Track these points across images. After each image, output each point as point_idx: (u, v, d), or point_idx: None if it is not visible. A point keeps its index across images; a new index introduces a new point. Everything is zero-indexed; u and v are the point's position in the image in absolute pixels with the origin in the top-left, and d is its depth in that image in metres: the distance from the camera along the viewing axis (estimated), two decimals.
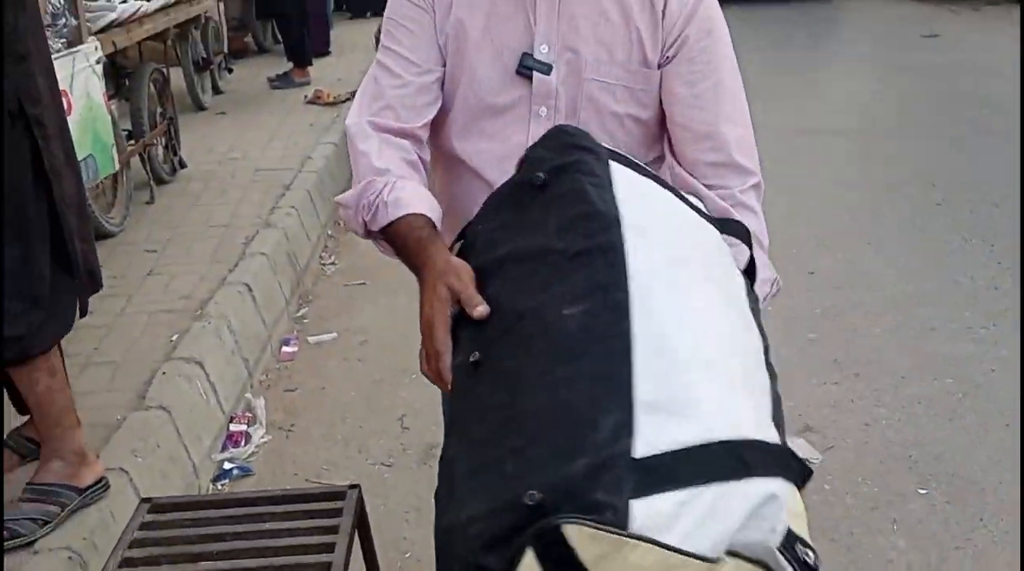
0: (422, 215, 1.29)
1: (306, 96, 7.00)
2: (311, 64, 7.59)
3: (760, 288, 1.25)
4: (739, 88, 1.39)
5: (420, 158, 1.39)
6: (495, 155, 1.39)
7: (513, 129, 1.38)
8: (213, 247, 4.14)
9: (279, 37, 8.35)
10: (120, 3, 4.27)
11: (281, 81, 7.39)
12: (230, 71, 7.55)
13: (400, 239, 1.30)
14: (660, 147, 1.45)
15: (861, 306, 3.83)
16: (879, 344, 3.54)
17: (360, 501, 1.84)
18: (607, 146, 1.20)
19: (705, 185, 1.35)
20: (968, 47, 9.39)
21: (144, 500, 1.92)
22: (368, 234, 1.38)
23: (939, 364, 3.35)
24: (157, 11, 4.81)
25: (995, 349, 3.43)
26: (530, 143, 1.30)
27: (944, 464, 2.78)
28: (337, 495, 1.84)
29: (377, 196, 1.32)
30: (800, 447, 2.76)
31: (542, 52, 1.33)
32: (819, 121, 6.69)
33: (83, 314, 2.49)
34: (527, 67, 1.33)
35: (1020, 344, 3.38)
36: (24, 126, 2.21)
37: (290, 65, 7.55)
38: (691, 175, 1.37)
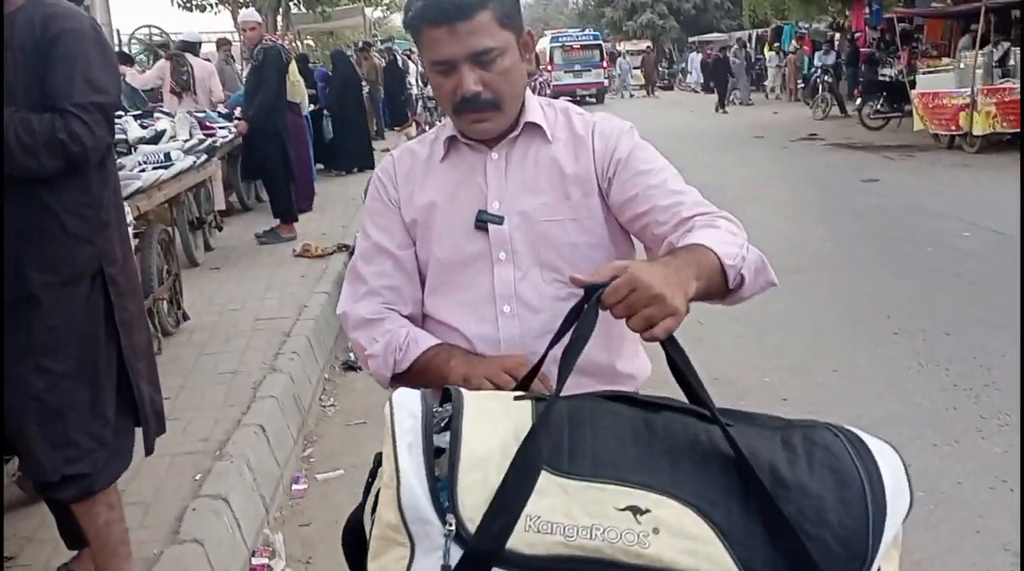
0: (444, 343, 1.60)
1: (294, 250, 7.37)
2: (297, 220, 8.00)
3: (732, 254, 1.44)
4: (677, 173, 1.63)
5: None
6: (466, 301, 1.63)
7: (480, 277, 1.60)
8: (224, 392, 4.37)
9: (263, 196, 8.79)
10: (140, 172, 4.66)
11: (269, 237, 7.78)
12: (220, 229, 7.93)
13: (432, 363, 1.57)
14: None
15: None
16: None
17: None
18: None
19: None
20: (907, 190, 10.12)
21: None
22: (394, 377, 1.62)
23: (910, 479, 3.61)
24: (172, 178, 5.20)
25: (960, 463, 3.73)
26: (496, 286, 1.58)
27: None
28: None
29: (405, 337, 1.60)
30: None
31: (494, 207, 1.59)
32: (773, 261, 7.08)
33: (148, 452, 2.71)
34: (482, 221, 1.58)
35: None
36: (101, 284, 2.51)
37: (275, 221, 7.95)
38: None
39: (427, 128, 8.82)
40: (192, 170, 5.72)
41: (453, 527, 1.08)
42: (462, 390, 1.24)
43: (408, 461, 1.13)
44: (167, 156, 5.36)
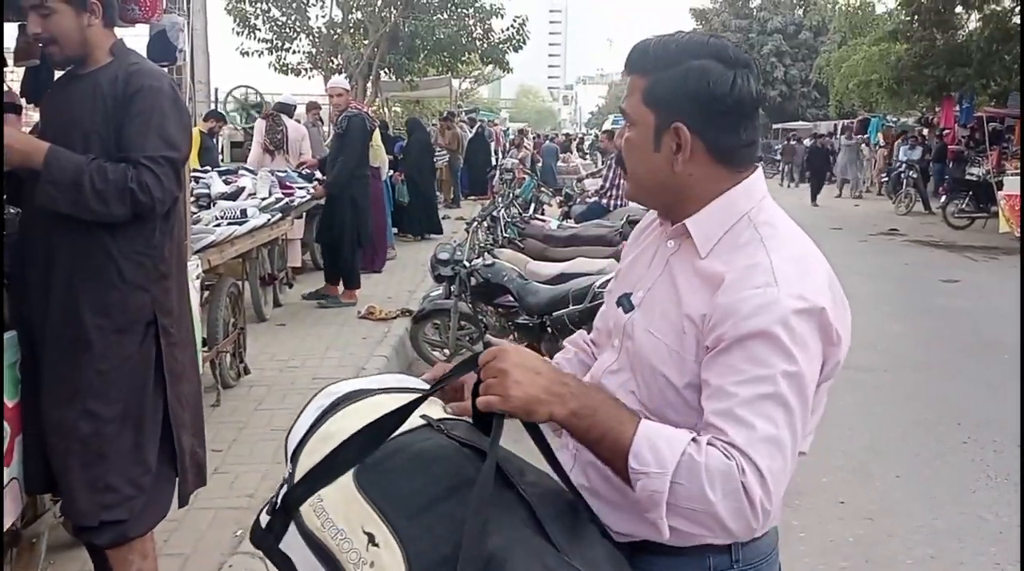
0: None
1: (359, 312, 7.48)
2: (359, 287, 8.11)
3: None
4: (778, 394, 1.28)
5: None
6: (594, 368, 1.60)
7: (602, 349, 1.58)
8: (274, 449, 4.40)
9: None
10: (215, 226, 4.81)
11: (329, 302, 7.87)
12: (291, 286, 8.10)
13: None
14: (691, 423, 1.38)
15: (892, 537, 3.97)
16: None
17: None
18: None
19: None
20: (987, 293, 9.83)
21: None
22: None
23: None
24: (244, 234, 5.35)
25: None
26: (594, 365, 1.56)
27: None
28: None
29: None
30: None
31: (637, 297, 1.48)
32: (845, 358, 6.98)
33: (182, 504, 2.74)
34: (618, 302, 1.52)
35: None
36: (154, 333, 2.58)
37: (323, 284, 8.10)
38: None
39: (500, 200, 8.91)
40: (265, 227, 5.87)
41: (290, 475, 1.33)
42: (378, 384, 1.42)
43: (305, 417, 1.38)
44: (243, 212, 5.53)
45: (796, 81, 43.75)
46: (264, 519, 1.35)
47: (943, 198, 17.12)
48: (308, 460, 1.31)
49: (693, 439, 1.28)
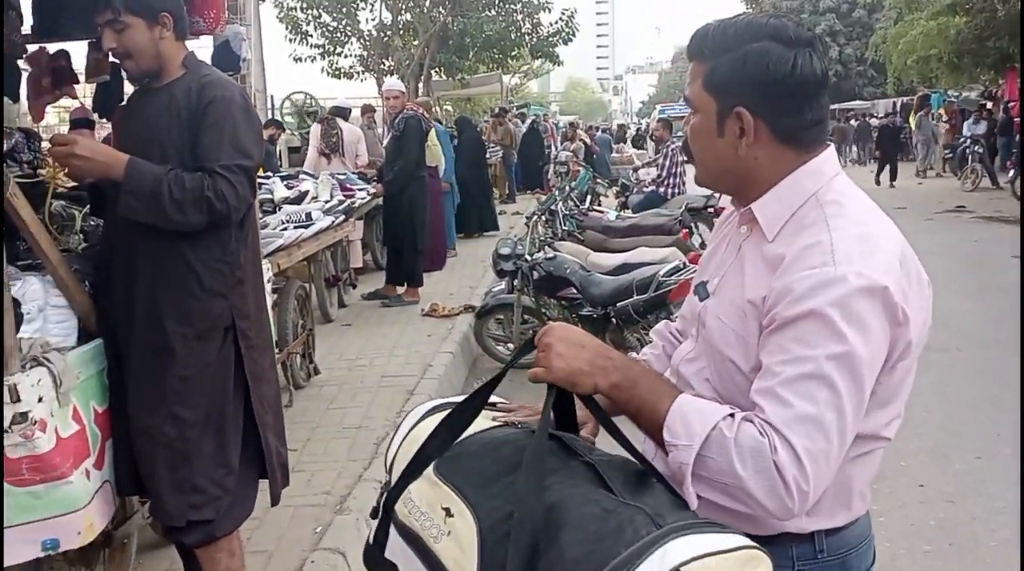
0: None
1: (423, 309, 7.55)
2: (421, 285, 8.18)
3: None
4: (823, 375, 1.26)
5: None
6: (674, 356, 1.61)
7: (685, 341, 1.60)
8: (348, 446, 4.48)
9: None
10: (282, 230, 4.90)
11: (392, 300, 7.95)
12: (354, 286, 8.21)
13: None
14: None
15: (975, 519, 3.89)
16: (995, 557, 3.58)
17: None
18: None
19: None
20: None
21: None
22: None
23: None
24: (311, 237, 5.45)
25: None
26: (674, 354, 1.57)
27: None
28: None
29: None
30: None
31: (712, 284, 1.48)
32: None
33: (274, 503, 2.81)
34: (695, 291, 1.53)
35: None
36: (233, 337, 2.64)
37: (381, 284, 8.22)
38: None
39: (557, 193, 8.91)
40: (330, 229, 5.96)
41: (386, 483, 1.49)
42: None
43: (400, 431, 1.53)
44: (308, 216, 5.63)
45: (851, 60, 42.89)
46: (370, 536, 1.48)
47: (1011, 173, 16.63)
48: (400, 465, 1.44)
49: (730, 415, 1.29)
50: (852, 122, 32.35)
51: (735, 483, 1.26)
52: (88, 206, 3.00)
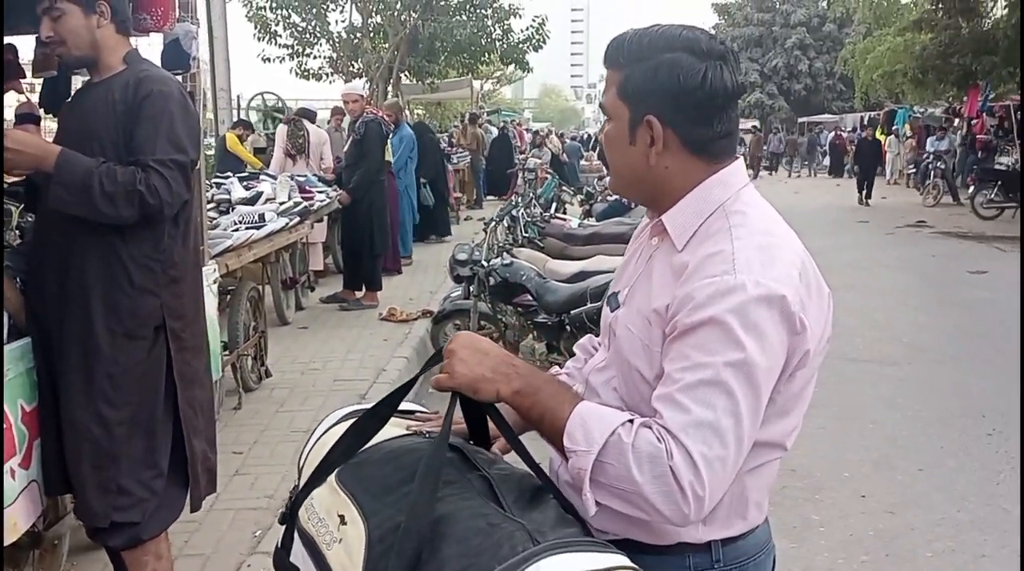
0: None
1: (380, 314, 7.52)
2: (380, 289, 8.15)
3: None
4: (720, 381, 1.27)
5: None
6: (586, 366, 1.61)
7: (601, 350, 1.62)
8: (295, 450, 4.42)
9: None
10: (233, 231, 4.85)
11: (351, 304, 7.92)
12: (312, 289, 8.16)
13: None
14: None
15: (914, 530, 3.93)
16: (931, 568, 3.62)
17: None
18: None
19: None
20: (1015, 283, 9.66)
21: None
22: None
23: None
24: (263, 238, 5.40)
25: None
26: (591, 367, 1.56)
27: None
28: None
29: None
30: None
31: (623, 294, 1.50)
32: (867, 350, 6.96)
33: (194, 509, 2.77)
34: (608, 301, 1.57)
35: None
36: (164, 337, 2.61)
37: (339, 288, 8.20)
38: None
39: (518, 199, 8.93)
40: (284, 231, 5.91)
41: (295, 487, 1.49)
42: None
43: (312, 437, 1.56)
44: (261, 217, 5.58)
45: (821, 74, 43.40)
46: (279, 540, 1.51)
47: (971, 189, 16.90)
48: (308, 469, 1.46)
49: (629, 420, 1.30)
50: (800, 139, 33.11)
51: (632, 488, 1.25)
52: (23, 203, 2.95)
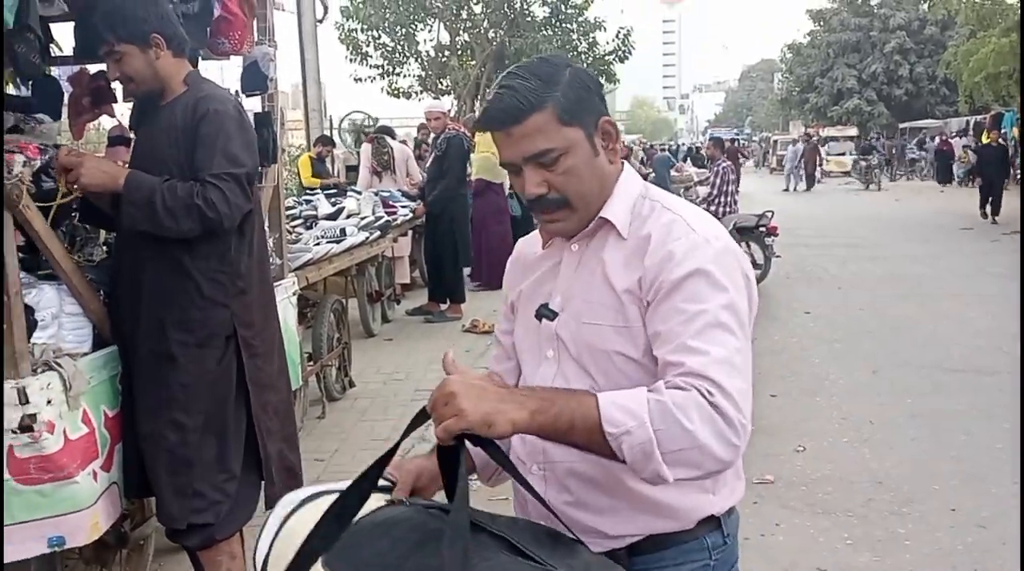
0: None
1: (463, 325, 7.61)
2: (463, 301, 8.26)
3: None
4: (722, 323, 1.35)
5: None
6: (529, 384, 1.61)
7: (535, 368, 1.58)
8: (374, 457, 4.52)
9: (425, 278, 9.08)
10: (315, 245, 5.01)
11: (435, 316, 8.05)
12: (399, 302, 8.32)
13: None
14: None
15: (1005, 545, 3.76)
16: None
17: None
18: None
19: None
20: None
21: None
22: None
23: None
24: (343, 252, 5.55)
25: None
26: (537, 383, 1.51)
27: None
28: None
29: None
30: None
31: (555, 302, 1.53)
32: (964, 360, 6.69)
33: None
34: (539, 314, 1.55)
35: None
36: (235, 346, 2.72)
37: (424, 300, 8.32)
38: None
39: None
40: (364, 245, 6.06)
41: None
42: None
43: (267, 530, 1.37)
44: (342, 231, 5.74)
45: (923, 78, 41.98)
46: None
47: None
48: (278, 564, 1.29)
49: (649, 389, 1.29)
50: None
51: (690, 443, 1.24)
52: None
